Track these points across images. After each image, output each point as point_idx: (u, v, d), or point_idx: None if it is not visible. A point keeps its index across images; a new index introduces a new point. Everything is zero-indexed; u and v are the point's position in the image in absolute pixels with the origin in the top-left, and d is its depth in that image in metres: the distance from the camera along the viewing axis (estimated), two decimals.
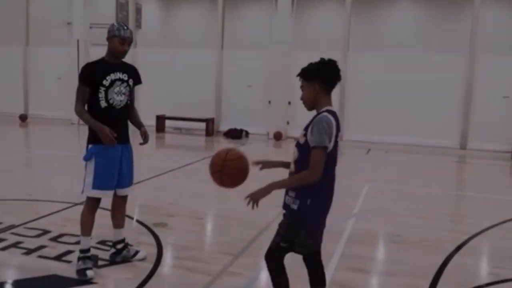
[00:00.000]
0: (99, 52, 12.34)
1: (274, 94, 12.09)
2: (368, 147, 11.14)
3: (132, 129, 3.65)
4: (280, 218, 2.70)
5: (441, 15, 14.99)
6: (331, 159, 2.49)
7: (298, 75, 2.57)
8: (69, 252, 3.81)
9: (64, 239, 4.13)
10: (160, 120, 12.82)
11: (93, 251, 3.77)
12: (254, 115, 12.77)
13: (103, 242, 4.00)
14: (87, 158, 3.40)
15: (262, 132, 12.60)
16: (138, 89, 3.82)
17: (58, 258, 3.71)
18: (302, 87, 2.58)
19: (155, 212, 5.13)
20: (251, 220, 4.93)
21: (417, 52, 12.88)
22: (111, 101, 3.42)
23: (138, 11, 15.44)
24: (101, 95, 3.38)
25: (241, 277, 3.54)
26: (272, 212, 5.02)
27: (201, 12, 17.83)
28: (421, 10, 15.46)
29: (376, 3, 15.51)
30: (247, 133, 12.59)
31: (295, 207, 2.50)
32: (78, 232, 3.50)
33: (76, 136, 12.22)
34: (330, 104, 2.56)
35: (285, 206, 2.59)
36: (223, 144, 11.45)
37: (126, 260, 3.68)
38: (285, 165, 2.73)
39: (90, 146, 3.43)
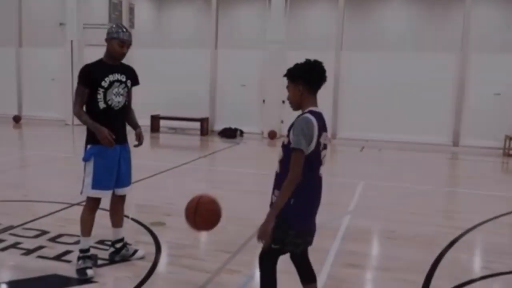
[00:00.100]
0: (93, 53, 12.38)
1: (268, 93, 12.14)
2: (361, 145, 11.22)
3: (128, 129, 3.68)
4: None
5: (433, 14, 15.13)
6: (314, 159, 2.49)
7: (284, 75, 2.61)
8: (68, 252, 3.84)
9: (62, 239, 4.15)
10: (155, 120, 12.82)
11: (92, 251, 3.80)
12: (248, 114, 12.81)
13: (101, 242, 4.03)
14: (86, 159, 3.43)
15: (256, 131, 12.65)
16: (132, 89, 3.84)
17: (58, 258, 3.74)
18: (288, 87, 2.61)
19: (152, 211, 5.16)
20: (247, 219, 4.99)
21: (409, 51, 12.99)
22: (109, 102, 3.45)
23: (131, 11, 15.43)
24: (100, 96, 3.41)
25: (239, 275, 3.59)
26: (267, 210, 5.08)
27: (194, 11, 17.85)
28: (413, 9, 15.60)
29: (369, 2, 15.62)
30: (241, 132, 12.63)
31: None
32: (77, 232, 3.54)
33: (70, 137, 12.20)
34: (314, 104, 2.58)
35: (271, 204, 2.61)
36: (218, 143, 11.49)
37: (125, 259, 3.71)
38: None
39: (89, 146, 3.45)
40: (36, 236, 4.20)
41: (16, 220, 4.60)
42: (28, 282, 3.35)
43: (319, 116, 2.54)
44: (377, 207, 5.66)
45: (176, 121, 12.92)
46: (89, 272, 3.38)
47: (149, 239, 4.25)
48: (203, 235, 4.74)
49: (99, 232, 4.06)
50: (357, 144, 11.28)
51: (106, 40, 3.46)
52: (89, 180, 3.41)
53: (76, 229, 3.50)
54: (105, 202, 3.64)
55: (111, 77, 3.44)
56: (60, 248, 3.93)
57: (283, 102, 11.74)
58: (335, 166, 8.80)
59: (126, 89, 3.56)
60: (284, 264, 2.77)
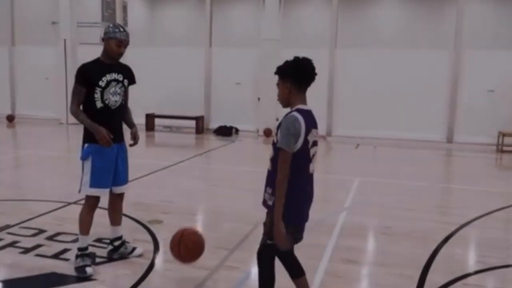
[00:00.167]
0: (86, 51, 12.44)
1: (263, 91, 12.15)
2: (357, 142, 11.28)
3: (124, 127, 3.68)
4: None
5: (427, 11, 15.19)
6: (302, 157, 2.50)
7: (275, 72, 2.62)
8: (66, 250, 3.85)
9: (60, 237, 4.16)
10: (150, 119, 12.80)
11: (90, 249, 3.81)
12: (243, 112, 12.83)
13: (100, 240, 4.04)
14: (84, 158, 3.43)
15: (251, 129, 12.67)
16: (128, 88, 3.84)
17: (56, 256, 3.75)
18: (277, 84, 2.63)
19: (149, 209, 5.17)
20: (244, 216, 5.02)
21: (403, 48, 13.05)
22: (106, 102, 3.45)
23: (124, 9, 15.35)
24: (97, 95, 3.41)
25: (238, 271, 3.62)
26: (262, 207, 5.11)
27: (187, 10, 17.78)
28: (407, 6, 15.65)
29: (362, 0, 15.65)
30: (237, 130, 12.65)
31: (270, 203, 2.57)
32: (74, 230, 3.55)
33: (65, 136, 12.15)
34: (303, 102, 2.59)
35: (264, 202, 2.64)
36: (214, 141, 11.50)
37: (124, 256, 3.73)
38: None
39: (86, 145, 3.46)
40: (34, 235, 4.20)
41: (12, 219, 4.60)
42: (27, 280, 3.35)
43: (307, 114, 2.54)
44: (373, 204, 5.71)
45: (171, 119, 12.91)
46: (88, 270, 3.39)
47: (147, 237, 4.27)
48: (201, 230, 4.77)
49: (98, 231, 4.08)
50: (352, 141, 11.34)
51: (104, 39, 3.45)
52: (87, 178, 3.42)
53: (73, 227, 3.51)
54: (103, 201, 3.65)
55: (108, 77, 3.44)
56: (58, 247, 3.94)
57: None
58: (330, 163, 8.84)
59: (123, 88, 3.57)
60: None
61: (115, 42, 3.41)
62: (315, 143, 2.61)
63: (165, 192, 5.99)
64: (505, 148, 10.48)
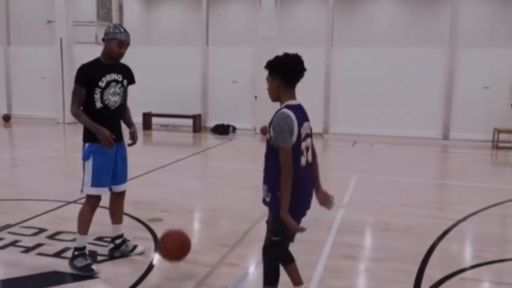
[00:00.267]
0: (82, 51, 12.37)
1: (260, 89, 12.16)
2: (353, 139, 11.34)
3: (122, 126, 3.69)
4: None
5: (422, 9, 15.25)
6: (294, 151, 2.54)
7: (264, 66, 2.65)
8: (67, 249, 3.87)
9: (61, 236, 4.18)
10: (147, 118, 12.81)
11: (91, 247, 3.86)
12: (240, 111, 12.86)
13: (100, 239, 4.07)
14: (85, 158, 3.44)
15: (249, 127, 12.71)
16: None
17: (57, 255, 3.78)
18: (267, 79, 2.67)
19: (149, 208, 5.20)
20: (243, 213, 5.07)
21: (399, 46, 13.10)
22: (106, 102, 3.46)
23: (120, 8, 15.32)
24: (97, 96, 3.42)
25: (238, 268, 3.66)
26: (263, 205, 5.16)
27: (184, 8, 17.76)
28: (402, 5, 15.71)
29: None
30: (234, 129, 12.68)
31: (268, 199, 2.62)
32: (74, 229, 3.54)
33: (61, 136, 12.14)
34: (292, 97, 2.63)
35: (263, 199, 2.69)
36: (211, 140, 11.52)
37: (125, 254, 3.76)
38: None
39: (87, 145, 3.46)
40: (34, 234, 4.22)
41: (12, 219, 4.62)
42: (29, 279, 3.37)
43: (296, 109, 2.59)
44: (371, 201, 5.76)
45: (168, 118, 12.92)
46: (95, 267, 3.42)
47: (147, 235, 4.30)
48: (201, 228, 4.80)
49: (98, 229, 4.11)
50: (349, 139, 11.39)
51: (104, 40, 3.46)
52: (88, 178, 3.43)
53: (73, 226, 3.52)
54: (102, 200, 3.67)
55: (108, 77, 3.45)
56: (59, 246, 3.96)
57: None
58: (328, 161, 8.88)
59: (122, 88, 3.59)
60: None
61: (116, 42, 3.42)
62: (307, 136, 2.66)
63: (164, 191, 6.02)
64: (500, 145, 10.57)
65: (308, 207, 2.72)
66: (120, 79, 3.55)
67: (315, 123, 2.72)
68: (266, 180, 2.62)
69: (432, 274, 3.55)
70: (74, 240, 3.83)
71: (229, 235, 4.35)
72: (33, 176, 6.99)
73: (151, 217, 4.78)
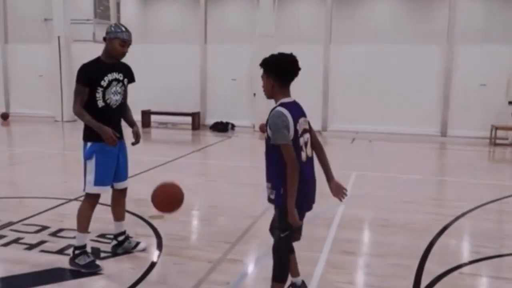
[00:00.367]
0: (80, 49, 12.34)
1: (259, 87, 12.12)
2: (352, 136, 11.39)
3: (123, 124, 3.72)
4: (272, 207, 2.81)
5: (419, 7, 15.31)
6: (294, 146, 2.59)
7: (260, 64, 2.70)
8: (70, 246, 3.88)
9: (63, 233, 4.21)
10: (146, 116, 12.82)
11: (94, 244, 3.89)
12: (239, 108, 12.89)
13: (103, 236, 4.10)
14: (88, 157, 3.44)
15: (247, 124, 12.74)
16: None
17: (60, 252, 3.80)
18: (262, 77, 2.71)
19: (150, 205, 5.13)
20: (244, 210, 5.10)
21: (397, 44, 13.15)
22: (108, 101, 3.48)
23: (117, 5, 15.30)
24: (99, 95, 3.43)
25: (241, 263, 3.70)
26: (263, 201, 5.20)
27: (182, 6, 17.76)
28: (400, 2, 15.76)
29: None
30: (233, 126, 12.71)
31: (272, 197, 2.67)
32: (76, 227, 3.56)
33: (60, 134, 12.15)
34: (287, 95, 2.68)
35: (268, 197, 2.73)
36: (210, 137, 11.55)
37: (128, 251, 3.79)
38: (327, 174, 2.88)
39: (89, 144, 3.46)
40: (37, 232, 4.25)
41: (14, 216, 4.64)
42: (33, 276, 3.40)
43: (291, 106, 2.64)
44: (370, 197, 5.81)
45: (167, 116, 12.94)
46: (99, 264, 3.45)
47: (150, 232, 4.33)
48: (203, 225, 4.84)
49: (100, 226, 4.15)
50: (348, 136, 11.45)
51: (106, 39, 3.47)
52: (91, 177, 3.44)
53: (75, 223, 3.54)
54: (104, 197, 3.69)
55: (110, 76, 3.47)
56: (62, 243, 3.99)
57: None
58: (328, 157, 8.92)
59: (123, 87, 3.60)
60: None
61: (119, 42, 3.43)
62: (305, 131, 2.70)
63: None
64: (498, 141, 10.64)
65: (312, 201, 2.77)
66: (121, 78, 3.57)
67: (313, 120, 2.76)
68: (269, 178, 2.66)
69: (431, 269, 3.60)
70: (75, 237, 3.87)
71: (230, 231, 4.39)
72: (33, 174, 7.01)
73: (153, 214, 4.80)
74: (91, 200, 3.52)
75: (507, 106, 11.07)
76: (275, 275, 2.77)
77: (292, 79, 2.67)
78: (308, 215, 2.82)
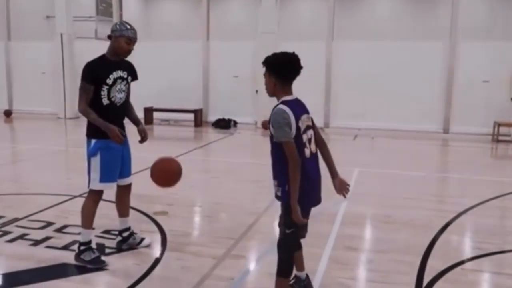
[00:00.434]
0: (82, 46, 12.33)
1: (261, 83, 12.15)
2: (354, 133, 11.39)
3: (125, 121, 3.73)
4: (275, 203, 2.84)
5: (422, 3, 15.24)
6: (297, 143, 2.62)
7: (262, 62, 2.72)
8: (75, 242, 3.91)
9: (68, 230, 4.25)
10: (148, 112, 12.85)
11: (98, 241, 3.92)
12: (241, 105, 12.91)
13: (107, 232, 4.14)
14: (92, 154, 3.46)
15: (250, 121, 12.76)
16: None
17: (66, 247, 3.84)
18: (264, 75, 2.74)
19: (153, 201, 5.26)
20: (247, 206, 5.13)
21: (399, 40, 13.11)
22: (113, 99, 3.50)
23: (119, 2, 15.28)
24: (104, 93, 3.45)
25: (244, 259, 3.73)
26: (266, 198, 5.22)
27: (184, 2, 17.73)
28: None
29: None
30: (235, 123, 12.73)
31: (279, 193, 2.70)
32: (80, 223, 3.59)
33: (63, 131, 12.19)
34: (289, 93, 2.71)
35: (275, 194, 2.76)
36: (212, 134, 11.57)
37: (132, 247, 3.82)
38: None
39: (94, 141, 3.47)
40: (42, 228, 4.29)
41: (20, 213, 4.68)
42: (39, 271, 3.43)
43: (293, 103, 2.67)
44: (373, 193, 5.83)
45: (169, 113, 12.97)
46: (105, 260, 3.48)
47: (153, 228, 4.36)
48: (206, 221, 4.86)
49: (105, 223, 4.19)
50: (350, 132, 11.45)
51: (112, 37, 3.47)
52: (96, 174, 3.46)
53: (80, 220, 3.57)
54: (109, 194, 3.72)
55: (115, 74, 3.48)
56: (67, 239, 4.03)
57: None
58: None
59: (127, 85, 3.62)
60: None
61: (125, 40, 3.45)
62: (308, 128, 2.72)
63: None
64: (500, 138, 10.63)
65: (318, 197, 2.80)
66: (125, 76, 3.59)
67: (315, 117, 2.80)
68: (275, 176, 2.70)
69: (434, 265, 3.62)
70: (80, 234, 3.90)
71: (233, 228, 4.42)
72: (37, 170, 7.05)
73: (157, 211, 4.84)
74: (94, 197, 3.55)
75: (509, 103, 11.06)
76: (280, 270, 2.80)
77: (294, 77, 2.70)
78: (311, 211, 2.84)
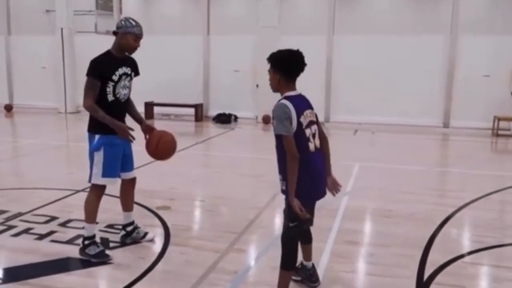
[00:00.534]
0: (83, 40, 12.27)
1: (262, 78, 12.18)
2: (355, 128, 11.42)
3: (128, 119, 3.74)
4: (277, 198, 2.88)
5: None
6: (300, 138, 2.67)
7: (267, 58, 2.76)
8: (79, 236, 3.95)
9: (72, 224, 4.29)
10: (149, 107, 12.86)
11: (103, 235, 3.96)
12: (242, 100, 12.92)
13: (111, 226, 4.18)
14: (95, 148, 3.47)
15: (250, 116, 12.78)
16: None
17: (70, 242, 3.88)
18: (269, 71, 2.79)
19: (156, 196, 5.29)
20: (248, 201, 5.17)
21: (400, 34, 13.08)
22: (118, 95, 3.51)
23: None
24: (109, 89, 3.45)
25: (246, 253, 3.77)
26: (267, 192, 5.25)
27: None
28: None
29: None
30: (236, 118, 12.75)
31: (284, 188, 2.74)
32: (84, 218, 3.62)
33: (64, 125, 12.20)
34: (292, 89, 2.76)
35: (281, 188, 2.80)
36: (213, 129, 11.60)
37: (136, 241, 3.86)
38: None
39: (97, 136, 3.48)
40: (46, 222, 4.32)
41: (24, 207, 4.71)
42: (44, 265, 3.47)
43: (296, 99, 2.72)
44: (373, 188, 5.86)
45: (170, 107, 12.97)
46: (109, 254, 3.52)
47: (157, 222, 4.40)
48: (209, 215, 4.90)
49: (109, 217, 4.22)
50: (351, 127, 11.48)
51: (118, 33, 3.47)
52: (98, 168, 3.47)
53: (83, 214, 3.60)
54: (112, 189, 3.74)
55: (120, 71, 3.50)
56: (71, 233, 4.06)
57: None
58: (330, 149, 8.97)
59: (131, 81, 3.64)
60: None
61: (132, 37, 3.45)
62: (311, 123, 2.76)
63: (170, 179, 6.10)
64: (500, 132, 10.66)
65: (323, 190, 2.85)
66: (129, 72, 3.60)
67: (316, 112, 2.85)
68: (280, 170, 2.75)
69: (435, 258, 3.66)
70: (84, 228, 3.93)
71: (235, 222, 4.45)
72: (39, 165, 7.08)
73: (159, 205, 4.88)
74: (97, 191, 3.57)
75: (510, 97, 11.07)
76: (283, 263, 2.84)
77: (298, 74, 2.76)
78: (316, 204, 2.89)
